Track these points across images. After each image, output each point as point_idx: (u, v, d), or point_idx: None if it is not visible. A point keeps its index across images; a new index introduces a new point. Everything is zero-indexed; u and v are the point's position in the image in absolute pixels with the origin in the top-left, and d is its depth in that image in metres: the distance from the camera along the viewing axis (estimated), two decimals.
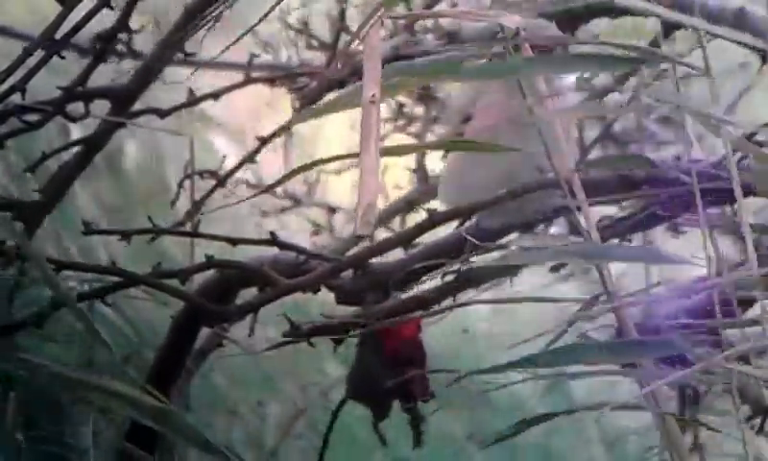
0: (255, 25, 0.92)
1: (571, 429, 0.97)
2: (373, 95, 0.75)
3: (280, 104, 1.49)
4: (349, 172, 1.89)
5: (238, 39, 0.95)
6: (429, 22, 1.42)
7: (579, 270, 1.53)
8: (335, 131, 1.88)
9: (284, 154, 1.64)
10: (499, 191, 1.09)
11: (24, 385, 1.34)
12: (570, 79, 1.13)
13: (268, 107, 1.64)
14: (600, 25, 1.46)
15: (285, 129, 1.40)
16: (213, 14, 1.09)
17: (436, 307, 1.14)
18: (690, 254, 0.90)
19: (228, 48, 1.01)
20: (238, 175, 1.53)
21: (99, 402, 1.16)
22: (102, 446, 1.39)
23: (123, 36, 1.25)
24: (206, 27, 1.10)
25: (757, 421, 1.35)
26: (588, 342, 0.89)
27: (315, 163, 0.79)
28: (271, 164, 1.66)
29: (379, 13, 0.77)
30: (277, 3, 0.84)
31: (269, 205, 1.84)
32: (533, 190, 1.08)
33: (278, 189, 1.76)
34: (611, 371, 0.89)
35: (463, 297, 1.20)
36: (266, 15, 0.87)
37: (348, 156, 0.82)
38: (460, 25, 1.38)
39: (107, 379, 1.06)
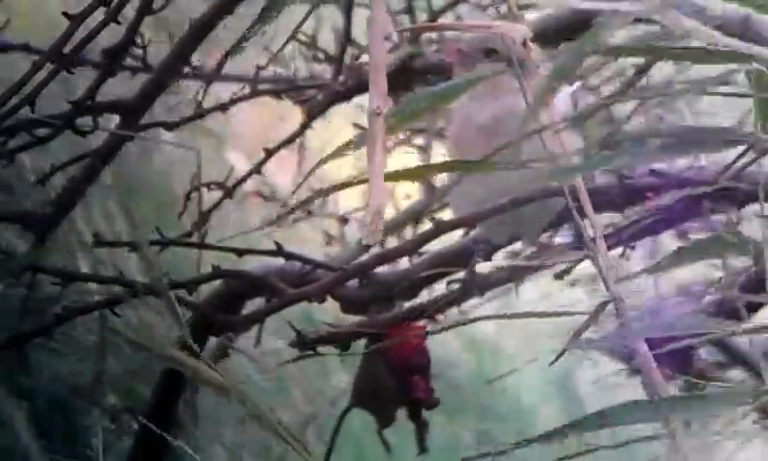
0: (235, 45, 0.93)
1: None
2: (378, 106, 0.76)
3: (294, 118, 1.49)
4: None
5: (221, 60, 0.95)
6: (434, 34, 1.42)
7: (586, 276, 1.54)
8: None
9: (298, 166, 1.64)
10: (500, 200, 1.09)
11: (36, 395, 1.35)
12: (567, 89, 1.13)
13: (281, 121, 1.65)
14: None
15: (290, 141, 1.41)
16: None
17: (440, 317, 1.15)
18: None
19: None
20: (252, 188, 1.54)
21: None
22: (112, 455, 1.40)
23: (133, 49, 1.26)
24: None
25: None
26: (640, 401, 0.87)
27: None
28: (285, 177, 1.68)
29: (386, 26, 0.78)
30: (259, 22, 0.84)
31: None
32: (535, 199, 1.08)
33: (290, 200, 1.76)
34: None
35: (467, 305, 1.20)
36: (245, 37, 0.88)
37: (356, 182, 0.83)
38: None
39: None
